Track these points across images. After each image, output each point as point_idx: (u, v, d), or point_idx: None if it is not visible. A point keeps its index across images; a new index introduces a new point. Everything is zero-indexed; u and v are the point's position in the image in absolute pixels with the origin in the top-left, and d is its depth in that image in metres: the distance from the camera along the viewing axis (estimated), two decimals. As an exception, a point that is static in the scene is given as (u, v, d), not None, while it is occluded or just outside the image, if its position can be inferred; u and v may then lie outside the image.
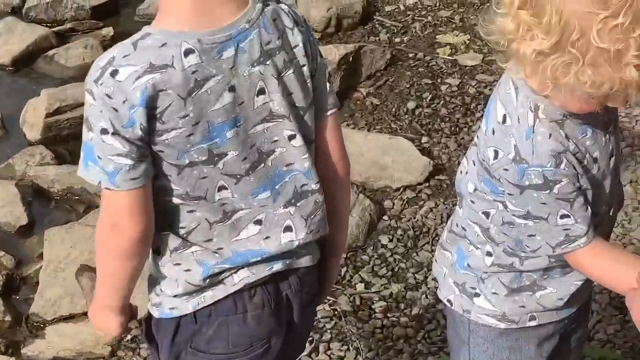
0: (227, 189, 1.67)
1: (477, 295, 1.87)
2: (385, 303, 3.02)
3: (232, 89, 1.59)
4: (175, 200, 1.65)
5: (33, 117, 3.97)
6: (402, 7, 4.87)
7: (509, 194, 1.67)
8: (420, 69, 4.34)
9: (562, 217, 1.65)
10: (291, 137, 1.70)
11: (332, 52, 4.13)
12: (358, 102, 4.12)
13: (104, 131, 1.53)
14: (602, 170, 1.70)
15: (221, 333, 1.78)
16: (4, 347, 2.87)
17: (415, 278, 3.12)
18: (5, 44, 4.61)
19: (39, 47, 4.64)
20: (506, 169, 1.63)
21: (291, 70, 1.67)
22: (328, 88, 1.78)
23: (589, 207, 1.67)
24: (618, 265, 1.68)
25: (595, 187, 1.69)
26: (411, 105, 4.07)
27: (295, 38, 1.68)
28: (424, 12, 4.83)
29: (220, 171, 1.65)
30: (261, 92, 1.64)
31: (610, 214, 1.82)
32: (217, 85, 1.58)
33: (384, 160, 3.59)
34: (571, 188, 1.63)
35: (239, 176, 1.67)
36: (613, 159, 1.72)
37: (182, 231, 1.68)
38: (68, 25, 4.89)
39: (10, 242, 3.39)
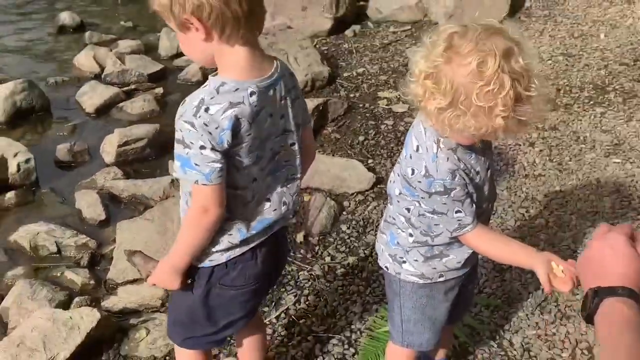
0: (256, 180, 1.71)
1: (404, 262, 1.88)
2: (344, 269, 3.01)
3: (270, 115, 1.65)
4: (231, 190, 1.67)
5: (109, 147, 3.94)
6: (354, 74, 4.89)
7: (421, 198, 1.69)
8: (367, 115, 4.35)
9: (456, 212, 1.68)
10: (292, 144, 1.76)
11: (308, 103, 4.09)
12: (326, 136, 4.11)
13: (202, 147, 1.55)
14: (482, 179, 1.72)
15: (242, 273, 1.82)
16: (89, 301, 2.83)
17: (364, 253, 3.11)
18: (90, 99, 4.58)
19: (112, 101, 4.61)
20: (419, 181, 1.66)
21: (297, 102, 1.73)
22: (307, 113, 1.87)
23: (474, 204, 1.70)
24: (492, 242, 1.75)
25: (478, 190, 1.72)
26: (361, 138, 4.07)
27: (294, 82, 1.74)
28: (369, 77, 4.85)
29: (257, 168, 1.69)
30: (282, 116, 1.70)
31: (489, 207, 1.85)
32: (265, 114, 1.62)
33: (344, 175, 3.58)
34: (462, 193, 1.66)
35: (263, 170, 1.71)
36: (489, 171, 1.75)
37: (230, 209, 1.70)
38: (132, 87, 4.87)
39: (94, 231, 3.35)
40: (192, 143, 1.55)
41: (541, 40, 5.19)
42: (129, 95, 4.74)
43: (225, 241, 1.76)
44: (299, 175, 1.83)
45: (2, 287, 2.99)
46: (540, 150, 3.83)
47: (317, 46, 5.22)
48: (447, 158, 1.62)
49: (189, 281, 1.83)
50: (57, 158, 3.97)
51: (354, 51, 5.24)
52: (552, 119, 4.14)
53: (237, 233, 1.75)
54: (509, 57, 1.44)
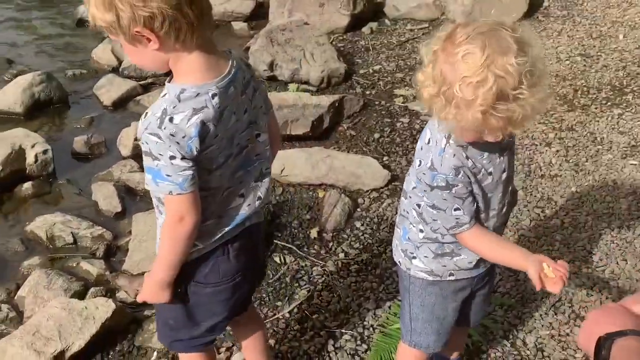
0: (228, 177, 1.69)
1: (414, 258, 1.89)
2: (358, 266, 3.01)
3: (234, 113, 1.62)
4: (203, 193, 1.64)
5: (126, 140, 3.96)
6: (371, 71, 4.88)
7: (424, 190, 1.70)
8: (383, 112, 4.33)
9: (455, 209, 1.68)
10: (257, 136, 1.73)
11: (324, 100, 4.12)
12: (341, 133, 4.10)
13: (172, 157, 1.52)
14: (495, 181, 1.71)
15: (214, 269, 1.79)
16: (104, 292, 2.85)
17: (378, 249, 3.11)
18: (107, 92, 4.61)
19: (130, 94, 4.63)
20: (424, 173, 1.66)
21: (257, 93, 1.71)
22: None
23: (476, 204, 1.69)
24: (488, 243, 1.73)
25: (490, 192, 1.71)
26: (376, 135, 4.06)
27: (252, 72, 1.72)
28: (385, 74, 4.84)
29: (227, 166, 1.66)
30: (246, 111, 1.66)
31: (504, 211, 1.82)
32: (229, 112, 1.59)
33: (358, 172, 3.58)
34: (464, 191, 1.65)
35: (232, 167, 1.69)
36: (505, 173, 1.72)
37: (204, 210, 1.67)
38: (149, 80, 4.87)
39: (110, 223, 3.38)
40: (160, 155, 1.52)
41: (559, 41, 5.16)
42: (146, 89, 4.75)
43: (199, 240, 1.73)
44: (270, 169, 1.81)
45: (18, 276, 3.03)
46: (557, 151, 3.81)
47: (334, 43, 5.20)
48: (454, 154, 1.62)
49: (179, 290, 1.80)
50: (74, 150, 4.00)
51: (371, 48, 5.22)
52: (570, 119, 4.11)
53: (208, 235, 1.73)
54: (501, 54, 1.41)
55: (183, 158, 1.52)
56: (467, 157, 1.63)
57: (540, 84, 1.46)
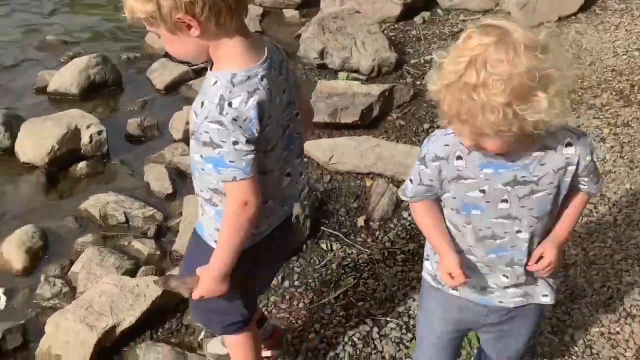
0: (277, 158, 1.72)
1: (427, 259, 1.88)
2: (404, 255, 3.01)
3: (277, 93, 1.64)
4: (260, 177, 1.65)
5: (178, 124, 4.01)
6: (422, 61, 4.83)
7: None
8: (432, 103, 4.25)
9: (411, 180, 1.73)
10: (297, 114, 1.77)
11: (374, 89, 4.11)
12: (390, 122, 4.09)
13: (235, 143, 1.54)
14: (488, 202, 1.63)
15: (271, 247, 1.86)
16: (155, 271, 2.92)
17: (425, 239, 3.09)
18: (160, 76, 4.67)
19: (182, 79, 4.68)
20: (424, 141, 1.70)
21: (290, 72, 1.73)
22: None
23: (430, 194, 1.71)
24: (424, 219, 1.76)
25: (475, 208, 1.66)
26: (426, 126, 4.03)
27: (282, 53, 1.73)
28: (437, 65, 4.78)
29: (278, 149, 1.70)
30: (284, 90, 1.69)
31: (500, 240, 1.70)
32: (275, 92, 1.62)
33: (407, 162, 3.54)
34: (426, 179, 1.67)
35: (281, 147, 1.72)
36: (504, 204, 1.63)
37: (263, 193, 1.68)
38: (201, 65, 4.93)
39: (161, 204, 3.44)
40: (223, 142, 1.53)
41: (617, 35, 5.03)
42: (198, 73, 4.77)
43: (264, 223, 1.77)
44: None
45: (72, 253, 3.11)
46: (611, 147, 3.73)
47: (385, 32, 5.17)
48: (448, 144, 1.61)
49: (242, 275, 1.82)
50: (128, 132, 4.08)
51: (422, 38, 5.18)
52: (625, 115, 4.01)
53: (273, 211, 1.77)
54: (492, 53, 1.37)
55: (247, 141, 1.54)
56: (460, 157, 1.60)
57: (513, 105, 1.38)
